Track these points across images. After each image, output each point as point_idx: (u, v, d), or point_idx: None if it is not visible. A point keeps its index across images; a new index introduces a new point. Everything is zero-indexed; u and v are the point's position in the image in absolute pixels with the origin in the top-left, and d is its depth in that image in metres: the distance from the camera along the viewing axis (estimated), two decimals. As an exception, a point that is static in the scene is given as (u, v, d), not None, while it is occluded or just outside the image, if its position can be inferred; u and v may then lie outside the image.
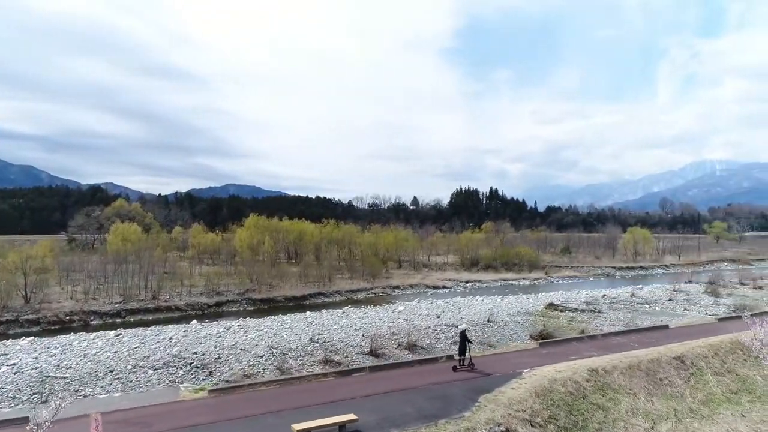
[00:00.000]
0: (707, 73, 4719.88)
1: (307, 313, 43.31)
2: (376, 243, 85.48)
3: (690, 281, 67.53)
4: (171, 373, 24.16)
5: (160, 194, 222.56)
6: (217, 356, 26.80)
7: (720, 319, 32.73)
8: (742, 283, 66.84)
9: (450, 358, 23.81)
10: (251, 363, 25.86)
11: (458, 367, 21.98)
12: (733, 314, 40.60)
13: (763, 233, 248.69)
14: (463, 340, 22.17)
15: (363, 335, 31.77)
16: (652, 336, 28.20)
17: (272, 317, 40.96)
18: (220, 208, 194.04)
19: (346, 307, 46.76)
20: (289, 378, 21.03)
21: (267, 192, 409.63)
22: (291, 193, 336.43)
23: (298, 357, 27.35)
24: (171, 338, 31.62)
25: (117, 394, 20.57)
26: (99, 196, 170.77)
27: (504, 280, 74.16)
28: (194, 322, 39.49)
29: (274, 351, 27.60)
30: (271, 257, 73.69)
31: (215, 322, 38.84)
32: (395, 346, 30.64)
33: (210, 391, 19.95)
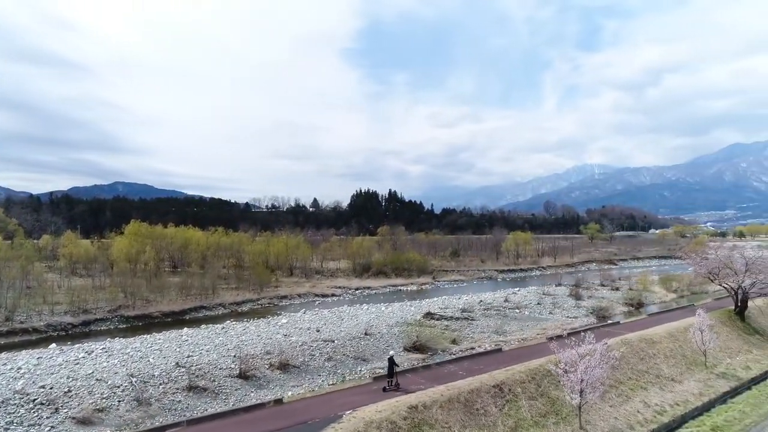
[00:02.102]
0: (587, 84, 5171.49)
1: (185, 330, 41.63)
2: (266, 251, 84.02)
3: (560, 284, 73.60)
4: (9, 413, 22.20)
5: (31, 195, 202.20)
6: (67, 389, 24.99)
7: (549, 338, 33.90)
8: (602, 285, 74.23)
9: (278, 402, 22.50)
10: (105, 395, 24.43)
11: (387, 387, 23.56)
12: (582, 324, 44.99)
13: (631, 233, 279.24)
14: (391, 364, 24.05)
15: (235, 356, 31.17)
16: (484, 362, 28.52)
17: (144, 336, 38.95)
18: (103, 210, 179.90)
19: (228, 322, 45.55)
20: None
21: (160, 191, 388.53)
22: (188, 192, 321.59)
23: (160, 385, 26.32)
24: (19, 368, 28.99)
25: None
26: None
27: (393, 286, 76.29)
28: (53, 346, 36.32)
29: (134, 380, 26.25)
30: (152, 268, 69.69)
31: (77, 345, 36.07)
32: (267, 366, 30.53)
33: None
